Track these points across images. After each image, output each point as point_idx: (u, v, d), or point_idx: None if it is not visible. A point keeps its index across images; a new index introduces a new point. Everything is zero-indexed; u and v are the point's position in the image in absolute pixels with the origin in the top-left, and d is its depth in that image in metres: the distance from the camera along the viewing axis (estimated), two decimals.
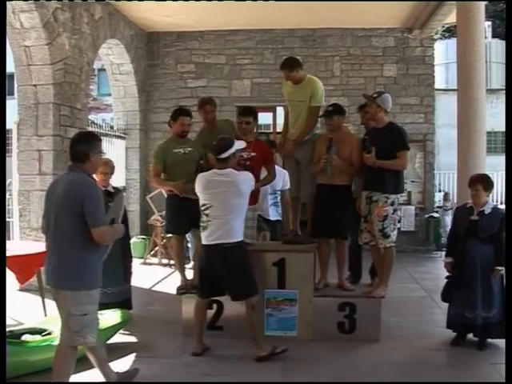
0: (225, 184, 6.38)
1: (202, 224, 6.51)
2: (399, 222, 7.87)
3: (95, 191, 5.11)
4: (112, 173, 7.96)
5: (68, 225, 4.99)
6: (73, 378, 5.33)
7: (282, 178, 8.34)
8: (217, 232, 6.37)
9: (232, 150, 6.47)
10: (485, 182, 7.01)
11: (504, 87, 26.66)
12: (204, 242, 6.50)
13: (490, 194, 7.21)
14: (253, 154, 7.33)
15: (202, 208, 6.48)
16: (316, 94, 7.62)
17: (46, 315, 7.75)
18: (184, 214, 7.42)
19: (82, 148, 5.17)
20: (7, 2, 8.56)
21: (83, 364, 5.64)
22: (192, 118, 7.83)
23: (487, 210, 6.92)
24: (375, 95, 7.37)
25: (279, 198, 8.81)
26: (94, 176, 7.72)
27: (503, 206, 7.35)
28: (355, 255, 8.53)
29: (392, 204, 7.19)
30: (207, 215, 6.44)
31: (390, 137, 7.14)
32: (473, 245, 6.90)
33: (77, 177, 5.09)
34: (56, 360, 5.15)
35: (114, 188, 7.97)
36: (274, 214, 8.88)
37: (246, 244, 6.64)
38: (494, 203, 7.09)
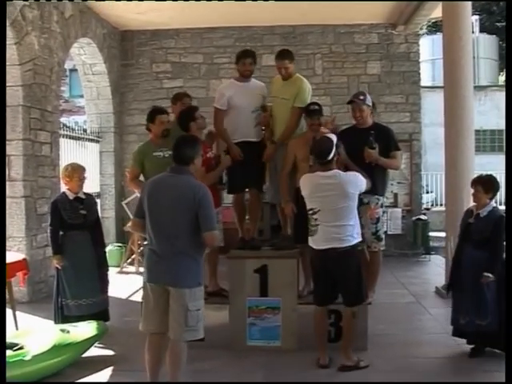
0: (332, 187, 6.41)
1: (311, 228, 6.57)
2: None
3: (210, 196, 5.54)
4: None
5: (184, 226, 5.42)
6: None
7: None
8: (328, 236, 6.43)
9: (334, 149, 6.50)
10: (485, 184, 6.94)
11: (492, 84, 26.95)
12: (315, 246, 6.58)
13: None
14: (213, 152, 7.44)
15: (310, 212, 6.56)
16: (302, 93, 7.65)
17: (17, 329, 7.70)
18: None
19: (189, 152, 5.61)
20: None
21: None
22: (168, 114, 7.80)
23: (484, 212, 6.87)
24: (361, 97, 7.40)
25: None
26: (69, 182, 7.77)
27: (502, 207, 7.33)
28: None
29: (382, 206, 7.28)
30: (316, 219, 6.50)
31: (381, 137, 7.20)
32: (466, 248, 6.93)
33: (190, 180, 5.55)
34: (171, 357, 5.54)
35: (85, 194, 7.93)
36: (258, 135, 7.91)
37: (358, 248, 6.65)
38: (494, 205, 6.97)
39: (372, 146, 7.15)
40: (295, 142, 7.51)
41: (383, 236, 7.32)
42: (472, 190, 7.04)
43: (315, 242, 6.55)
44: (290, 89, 7.66)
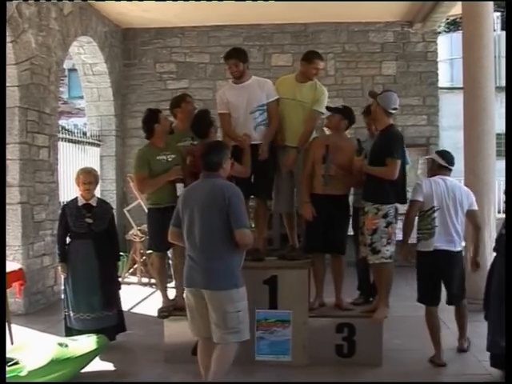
0: (454, 191, 7.29)
1: (429, 230, 7.23)
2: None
3: (240, 194, 5.90)
4: (97, 183, 7.96)
5: (218, 227, 5.73)
6: None
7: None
8: (444, 238, 7.20)
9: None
10: None
11: None
12: (429, 248, 7.24)
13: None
14: None
15: (429, 212, 7.22)
16: (323, 99, 7.74)
17: (12, 343, 7.68)
18: (166, 229, 7.35)
19: (215, 158, 5.94)
20: None
21: None
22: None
23: None
24: (379, 93, 7.42)
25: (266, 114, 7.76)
26: (78, 188, 7.81)
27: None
28: (363, 272, 8.32)
29: (385, 216, 7.07)
30: (433, 219, 7.19)
31: (382, 142, 7.11)
32: (497, 261, 6.82)
33: (219, 181, 5.92)
34: (215, 357, 5.81)
35: (99, 202, 7.99)
36: (261, 136, 7.70)
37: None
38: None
39: (359, 153, 7.22)
40: (314, 143, 7.61)
41: (381, 248, 7.08)
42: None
43: (430, 243, 7.20)
44: (309, 92, 7.68)
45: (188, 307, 6.01)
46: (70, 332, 7.63)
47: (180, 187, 7.26)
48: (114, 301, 8.00)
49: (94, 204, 7.81)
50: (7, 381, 5.90)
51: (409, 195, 7.44)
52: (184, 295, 6.14)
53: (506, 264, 6.39)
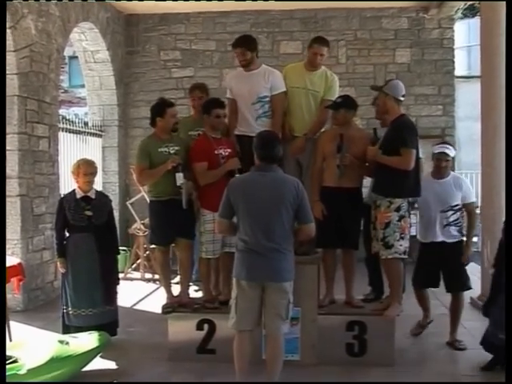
0: None
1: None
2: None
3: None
4: (96, 175, 7.97)
5: (287, 221, 6.00)
6: None
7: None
8: None
9: None
10: None
11: None
12: None
13: None
14: (228, 150, 7.39)
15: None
16: (335, 88, 7.79)
17: (11, 340, 7.70)
18: (169, 222, 7.38)
19: (277, 151, 6.13)
20: None
21: None
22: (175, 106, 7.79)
23: None
24: (386, 83, 7.43)
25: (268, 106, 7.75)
26: (76, 180, 7.82)
27: None
28: (373, 268, 8.30)
29: (398, 210, 7.09)
30: None
31: (394, 131, 7.10)
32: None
33: (282, 174, 6.20)
34: (275, 351, 6.18)
35: (98, 194, 8.00)
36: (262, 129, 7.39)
37: None
38: None
39: (373, 143, 7.28)
40: (323, 136, 7.62)
41: (394, 243, 7.09)
42: None
43: None
44: (320, 81, 7.73)
45: (241, 300, 6.07)
46: (67, 330, 7.61)
47: (179, 177, 7.25)
48: (115, 295, 8.05)
49: (93, 196, 7.82)
50: (7, 380, 5.95)
51: None
52: (233, 287, 6.18)
53: (506, 263, 6.36)
